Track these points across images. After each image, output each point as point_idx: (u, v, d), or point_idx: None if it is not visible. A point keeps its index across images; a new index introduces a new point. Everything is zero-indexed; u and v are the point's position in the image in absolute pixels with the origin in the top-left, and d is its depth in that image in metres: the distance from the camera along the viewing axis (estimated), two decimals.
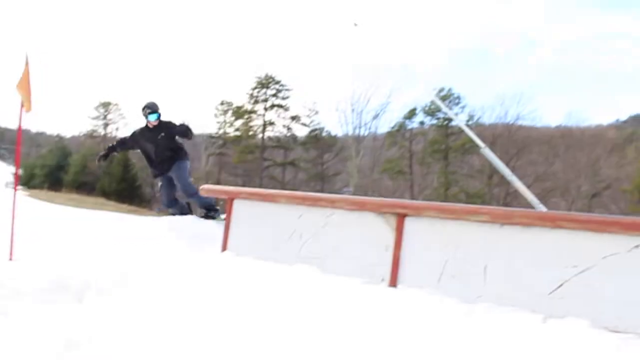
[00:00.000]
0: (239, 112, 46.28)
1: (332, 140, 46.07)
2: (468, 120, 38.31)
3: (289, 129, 46.58)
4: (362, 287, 4.01)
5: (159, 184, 7.84)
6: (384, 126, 48.44)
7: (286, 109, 46.47)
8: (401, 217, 4.26)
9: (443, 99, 39.05)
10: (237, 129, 46.48)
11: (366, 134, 44.62)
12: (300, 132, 46.93)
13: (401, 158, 42.50)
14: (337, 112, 52.53)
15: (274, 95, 46.12)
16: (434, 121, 41.51)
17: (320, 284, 4.08)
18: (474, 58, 63.80)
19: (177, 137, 7.67)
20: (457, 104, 39.85)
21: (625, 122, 52.53)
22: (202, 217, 7.52)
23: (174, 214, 7.68)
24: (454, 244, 4.09)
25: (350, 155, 42.94)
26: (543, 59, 60.36)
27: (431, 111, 40.45)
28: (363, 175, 42.72)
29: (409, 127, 43.29)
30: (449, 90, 40.43)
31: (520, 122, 41.15)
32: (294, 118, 46.41)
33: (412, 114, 42.62)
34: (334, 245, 4.73)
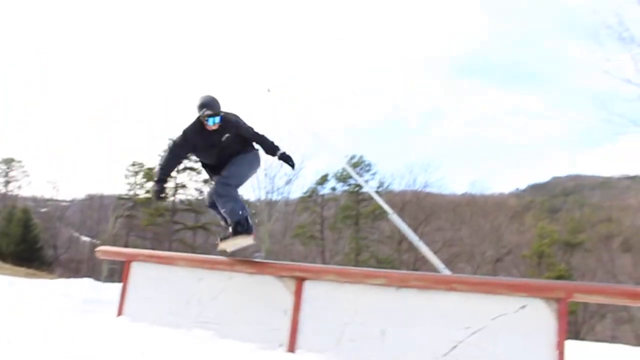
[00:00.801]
0: (150, 174, 45.36)
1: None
2: (378, 187, 39.23)
3: (200, 192, 46.01)
4: (258, 354, 3.90)
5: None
6: (296, 191, 48.70)
7: (198, 172, 45.98)
8: (300, 281, 4.23)
9: (354, 165, 39.99)
10: (147, 191, 45.41)
11: (279, 199, 44.76)
12: None
13: (313, 223, 42.67)
14: None
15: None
16: (346, 187, 42.16)
17: (215, 350, 3.93)
18: (386, 128, 66.27)
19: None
20: (368, 171, 40.82)
21: (524, 190, 55.69)
22: (224, 237, 5.12)
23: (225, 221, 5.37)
24: (352, 307, 4.09)
25: (262, 220, 42.75)
26: (450, 131, 63.60)
27: (343, 177, 41.15)
28: (275, 241, 42.48)
29: (321, 192, 43.77)
30: (361, 157, 41.42)
31: (428, 190, 42.66)
32: (206, 181, 45.99)
33: (324, 180, 43.20)
34: (233, 309, 4.61)
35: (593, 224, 39.55)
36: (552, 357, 3.64)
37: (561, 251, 37.18)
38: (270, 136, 5.55)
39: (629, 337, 28.56)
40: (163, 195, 5.53)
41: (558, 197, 54.68)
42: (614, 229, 37.00)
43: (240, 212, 5.16)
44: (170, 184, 5.76)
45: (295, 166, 5.74)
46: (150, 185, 45.18)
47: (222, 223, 5.40)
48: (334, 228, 41.76)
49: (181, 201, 45.82)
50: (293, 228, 43.69)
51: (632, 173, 30.78)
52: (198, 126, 5.34)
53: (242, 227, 5.14)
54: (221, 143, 5.39)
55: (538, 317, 3.73)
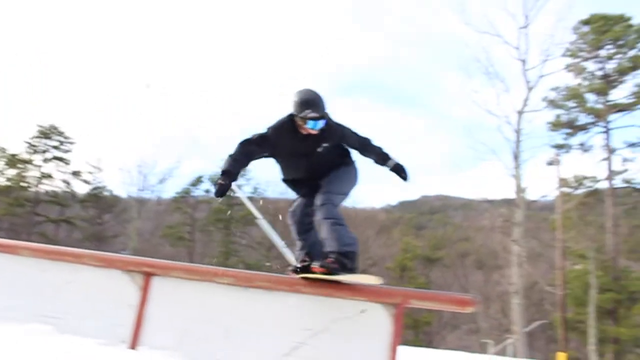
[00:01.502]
0: (12, 161, 42.20)
1: (113, 200, 43.91)
2: (253, 193, 39.32)
3: (68, 184, 43.53)
4: (96, 350, 3.79)
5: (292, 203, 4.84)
6: (169, 191, 47.55)
7: (67, 163, 43.51)
8: (148, 276, 4.16)
9: None
10: (8, 179, 42.20)
11: (151, 197, 43.45)
12: (81, 188, 44.15)
13: (183, 224, 41.87)
14: (121, 172, 50.43)
15: (56, 147, 43.07)
16: None
17: (51, 346, 3.76)
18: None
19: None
20: (244, 176, 40.80)
21: (394, 206, 58.21)
22: (324, 269, 4.03)
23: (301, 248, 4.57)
24: (199, 305, 4.09)
25: (132, 217, 41.23)
26: None
27: (217, 180, 40.78)
28: (143, 239, 41.15)
29: (194, 194, 43.10)
30: None
31: None
32: (74, 173, 43.59)
33: (198, 181, 42.60)
34: (77, 303, 4.43)
35: (453, 242, 42.08)
36: (390, 356, 3.84)
37: (422, 265, 39.26)
38: (378, 142, 4.57)
39: (476, 346, 30.60)
40: (225, 193, 4.46)
41: (425, 215, 57.58)
42: (470, 247, 39.67)
43: (353, 243, 4.13)
44: (233, 182, 4.13)
45: (409, 178, 4.58)
46: (11, 172, 42.20)
47: (299, 246, 4.48)
48: (205, 230, 41.20)
49: (45, 192, 43.10)
50: (163, 228, 42.56)
51: (490, 197, 33.08)
52: (289, 127, 4.26)
53: (351, 262, 4.08)
54: (316, 154, 4.34)
55: (376, 320, 3.93)
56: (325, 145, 4.34)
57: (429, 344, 30.86)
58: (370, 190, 64.62)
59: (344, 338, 3.92)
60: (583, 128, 30.82)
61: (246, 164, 4.50)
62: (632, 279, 27.71)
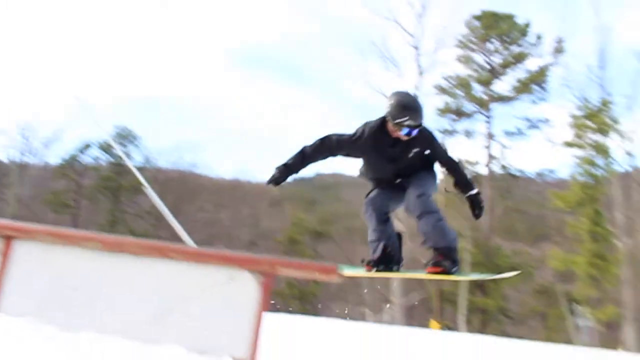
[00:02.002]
0: None
1: None
2: (144, 162, 38.29)
3: None
4: None
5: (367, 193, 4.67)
6: (55, 157, 45.10)
7: None
8: (9, 240, 4.03)
9: (121, 137, 38.41)
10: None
11: (34, 162, 41.03)
12: None
13: (68, 191, 40.02)
14: (1, 134, 47.12)
15: None
16: (109, 158, 40.31)
17: None
18: (159, 104, 64.53)
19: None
20: (134, 144, 39.56)
21: (289, 182, 58.65)
22: (440, 268, 4.23)
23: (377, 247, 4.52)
24: (64, 270, 4.02)
25: (11, 183, 38.82)
26: (223, 117, 64.25)
27: (106, 147, 39.27)
28: (23, 206, 38.92)
29: (82, 160, 41.23)
30: (127, 130, 39.91)
31: (194, 170, 42.80)
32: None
33: (86, 147, 40.75)
34: None
35: (342, 217, 43.14)
36: (251, 327, 3.94)
37: (311, 239, 40.07)
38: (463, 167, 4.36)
39: (360, 317, 31.82)
40: (278, 185, 4.60)
41: (318, 191, 58.41)
42: (358, 223, 40.91)
43: (456, 237, 4.20)
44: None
45: (482, 214, 4.54)
46: None
47: (376, 236, 4.40)
48: (92, 198, 39.65)
49: None
50: (46, 194, 40.48)
51: None
52: (381, 130, 4.23)
53: (457, 256, 4.19)
54: (405, 159, 4.34)
55: (244, 288, 4.02)
56: (415, 151, 4.36)
57: (315, 313, 31.70)
58: (265, 164, 64.76)
59: (212, 305, 3.98)
60: (468, 115, 32.68)
61: (316, 162, 4.46)
62: (502, 256, 30.03)
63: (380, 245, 4.57)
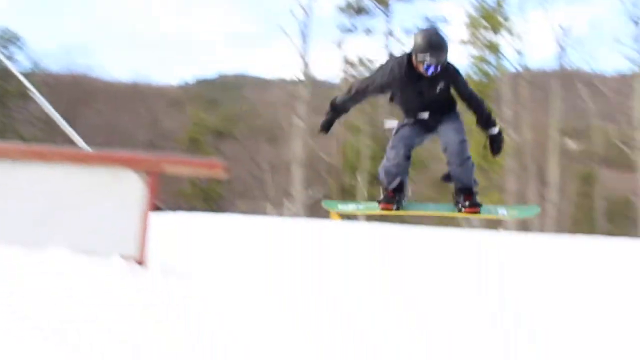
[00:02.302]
0: None
1: None
2: (32, 67, 35.87)
3: None
4: None
5: (397, 129, 4.67)
6: None
7: None
8: None
9: (1, 39, 35.64)
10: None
11: None
12: None
13: None
14: None
15: None
16: None
17: None
18: (42, 3, 59.35)
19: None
20: (18, 47, 36.78)
21: (190, 83, 56.97)
22: (475, 208, 4.61)
23: (392, 189, 4.61)
24: None
25: None
26: (117, 15, 60.29)
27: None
28: None
29: None
30: (8, 31, 36.87)
31: (88, 74, 40.69)
32: None
33: None
34: None
35: (245, 117, 42.94)
36: (139, 226, 4.08)
37: (214, 139, 39.90)
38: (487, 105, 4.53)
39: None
40: (330, 127, 4.66)
41: (220, 91, 57.21)
42: (260, 122, 40.97)
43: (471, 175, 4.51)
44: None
45: (500, 152, 4.70)
46: None
47: (395, 170, 4.49)
48: None
49: None
50: None
51: (282, 75, 34.22)
52: (407, 65, 4.28)
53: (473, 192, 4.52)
54: (432, 94, 4.40)
55: (130, 187, 4.15)
56: (441, 86, 4.37)
57: (220, 210, 32.18)
58: (166, 66, 62.29)
59: (98, 206, 4.07)
60: (368, 12, 32.70)
61: (360, 102, 4.60)
62: None
63: (398, 180, 4.64)
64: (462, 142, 4.57)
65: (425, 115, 4.51)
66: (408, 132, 4.64)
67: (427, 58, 4.15)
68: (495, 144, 4.60)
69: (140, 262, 3.96)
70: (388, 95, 4.72)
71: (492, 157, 4.69)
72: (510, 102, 29.88)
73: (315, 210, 32.35)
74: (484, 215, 4.60)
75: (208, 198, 37.23)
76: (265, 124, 40.12)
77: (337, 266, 6.10)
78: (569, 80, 31.42)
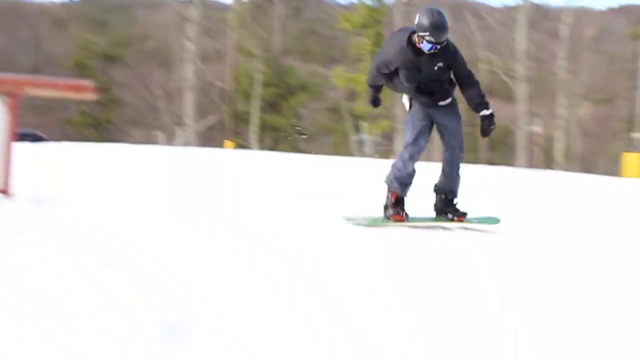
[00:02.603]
0: None
1: None
2: None
3: None
4: None
5: (416, 119, 4.63)
6: None
7: None
8: None
9: None
10: None
11: None
12: None
13: None
14: None
15: None
16: None
17: None
18: None
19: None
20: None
21: (75, 1, 53.19)
22: (461, 217, 4.75)
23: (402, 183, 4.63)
24: None
25: None
26: None
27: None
28: None
29: None
30: None
31: None
32: None
33: None
34: None
35: (135, 39, 41.02)
36: (3, 150, 4.02)
37: (102, 64, 37.92)
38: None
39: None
40: (378, 103, 4.90)
41: (108, 11, 54.03)
42: (152, 45, 39.32)
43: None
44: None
45: (489, 134, 4.71)
46: None
47: (407, 182, 4.63)
48: None
49: None
50: None
51: None
52: (411, 48, 4.50)
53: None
54: (431, 72, 4.56)
55: None
56: (440, 65, 4.53)
57: (112, 140, 31.16)
58: None
59: None
60: None
61: (388, 75, 4.65)
62: (292, 75, 31.27)
63: (409, 189, 4.78)
64: (462, 151, 4.81)
65: (424, 98, 4.71)
66: (423, 143, 4.76)
67: (429, 37, 4.40)
68: (487, 125, 4.68)
69: (3, 192, 3.89)
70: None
71: (482, 137, 4.81)
72: None
73: (210, 137, 32.10)
74: (466, 223, 4.76)
75: (99, 126, 35.79)
76: (156, 47, 38.57)
77: (229, 190, 6.33)
78: (458, 10, 32.36)
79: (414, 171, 4.65)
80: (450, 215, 4.74)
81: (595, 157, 36.70)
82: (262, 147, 28.18)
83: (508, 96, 33.22)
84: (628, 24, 33.66)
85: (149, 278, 2.47)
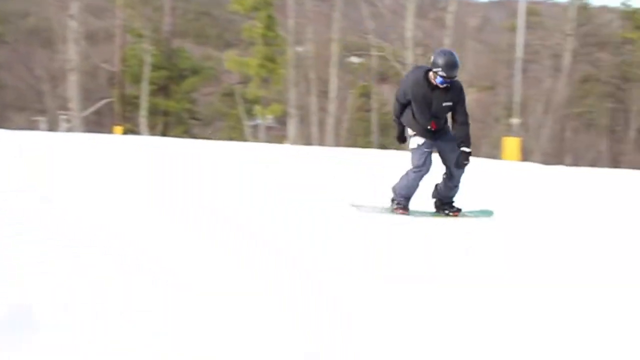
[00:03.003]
0: None
1: None
2: None
3: None
4: None
5: (422, 147, 5.48)
6: None
7: None
8: None
9: None
10: None
11: None
12: None
13: None
14: None
15: None
16: None
17: None
18: None
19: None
20: None
21: None
22: (456, 212, 5.73)
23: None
24: None
25: None
26: None
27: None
28: None
29: None
30: None
31: None
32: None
33: None
34: None
35: (14, 16, 38.56)
36: None
37: None
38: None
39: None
40: (403, 140, 5.67)
41: None
42: (35, 22, 37.08)
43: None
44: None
45: (461, 167, 5.56)
46: None
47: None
48: None
49: None
50: None
51: None
52: (426, 81, 5.29)
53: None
54: (439, 108, 5.34)
55: None
56: (447, 104, 5.35)
57: None
58: None
59: None
60: None
61: (402, 108, 5.52)
62: (183, 58, 30.57)
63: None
64: (464, 170, 5.61)
65: (429, 134, 5.49)
66: (430, 166, 5.59)
67: (441, 72, 5.18)
68: (462, 159, 5.47)
69: None
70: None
71: (456, 168, 5.53)
72: (293, 12, 30.39)
73: (100, 123, 30.78)
74: (462, 216, 5.65)
75: None
76: (38, 25, 36.38)
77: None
78: None
79: (419, 184, 5.56)
80: (446, 211, 5.71)
81: (480, 141, 38.66)
82: (154, 132, 27.39)
83: (398, 82, 34.06)
84: (506, 17, 35.65)
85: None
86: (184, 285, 2.56)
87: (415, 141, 5.48)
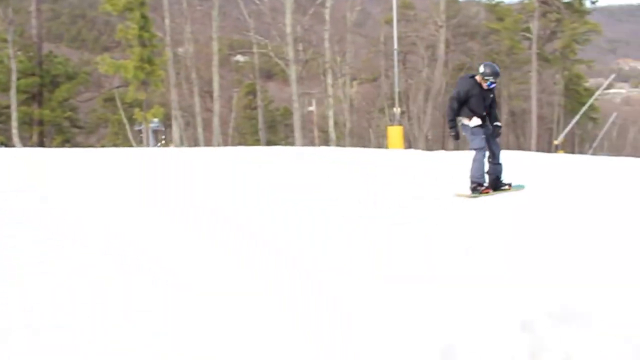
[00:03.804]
0: None
1: None
2: None
3: None
4: None
5: (480, 134, 7.16)
6: None
7: None
8: None
9: None
10: None
11: None
12: None
13: None
14: None
15: None
16: None
17: None
18: None
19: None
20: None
21: None
22: (487, 189, 7.27)
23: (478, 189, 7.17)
24: None
25: None
26: None
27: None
28: None
29: None
30: None
31: None
32: None
33: None
34: None
35: None
36: None
37: None
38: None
39: None
40: (459, 136, 7.45)
41: None
42: None
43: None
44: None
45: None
46: None
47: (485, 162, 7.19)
48: None
49: None
50: None
51: None
52: (478, 83, 7.14)
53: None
54: (488, 100, 7.24)
55: None
56: (491, 97, 7.25)
57: None
58: None
59: None
60: None
61: (459, 106, 7.16)
62: (55, 63, 29.09)
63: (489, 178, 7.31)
64: (500, 152, 7.38)
65: (482, 120, 7.16)
66: (487, 147, 7.22)
67: (491, 79, 7.07)
68: (497, 131, 7.39)
69: None
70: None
71: (492, 137, 7.31)
72: (169, 12, 29.77)
73: None
74: (513, 189, 7.26)
75: None
76: None
77: None
78: None
79: (485, 164, 7.15)
80: (503, 187, 7.28)
81: (367, 132, 39.77)
82: (28, 144, 25.83)
83: (283, 78, 34.42)
84: (382, 11, 36.82)
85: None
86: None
87: (474, 123, 7.09)
